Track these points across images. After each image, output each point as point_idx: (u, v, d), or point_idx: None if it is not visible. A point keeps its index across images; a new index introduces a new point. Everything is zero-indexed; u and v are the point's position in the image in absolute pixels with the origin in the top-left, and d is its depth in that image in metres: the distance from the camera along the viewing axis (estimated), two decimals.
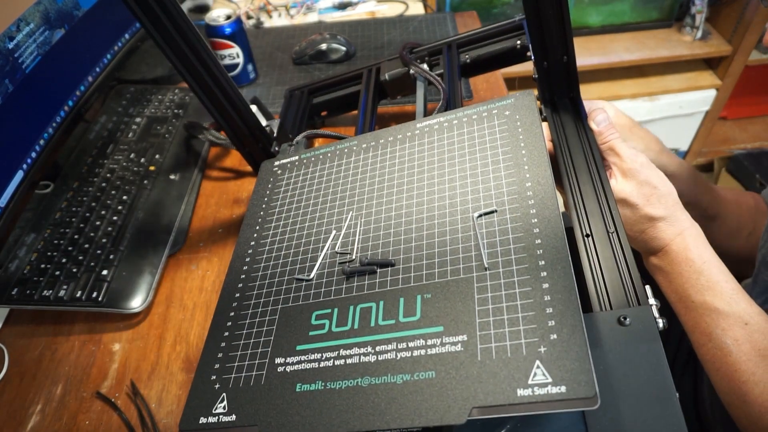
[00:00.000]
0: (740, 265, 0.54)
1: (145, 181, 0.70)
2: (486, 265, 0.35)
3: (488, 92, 0.82)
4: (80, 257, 0.60)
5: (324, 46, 0.92)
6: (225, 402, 0.35)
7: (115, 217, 0.65)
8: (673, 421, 0.29)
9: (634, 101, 1.56)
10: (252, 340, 0.38)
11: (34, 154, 0.62)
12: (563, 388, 0.27)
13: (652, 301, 0.33)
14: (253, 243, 0.46)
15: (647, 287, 0.34)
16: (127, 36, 0.84)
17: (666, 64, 1.54)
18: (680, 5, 1.53)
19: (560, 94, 0.49)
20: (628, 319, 0.32)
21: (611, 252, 0.37)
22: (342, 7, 1.12)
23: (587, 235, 0.39)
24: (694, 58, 1.51)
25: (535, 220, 0.36)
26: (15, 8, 0.61)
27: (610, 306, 0.35)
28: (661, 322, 0.32)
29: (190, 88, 0.53)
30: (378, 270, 0.38)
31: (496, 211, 0.38)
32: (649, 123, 1.62)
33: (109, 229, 0.64)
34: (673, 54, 1.49)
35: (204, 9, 1.14)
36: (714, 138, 1.73)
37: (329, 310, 0.37)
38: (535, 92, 0.50)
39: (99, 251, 0.61)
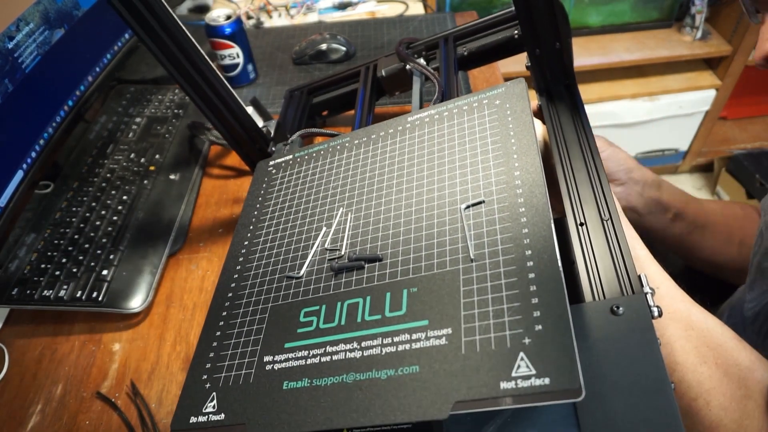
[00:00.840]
0: (736, 274, 0.54)
1: (145, 181, 0.70)
2: (472, 257, 0.34)
3: (481, 80, 0.81)
4: (80, 257, 0.60)
5: (324, 46, 0.92)
6: (215, 401, 0.35)
7: (115, 217, 0.65)
8: (668, 412, 0.28)
9: (634, 101, 1.56)
10: (242, 339, 0.38)
11: (34, 154, 0.62)
12: (547, 380, 0.27)
13: (647, 288, 0.32)
14: (246, 243, 0.46)
15: (642, 275, 0.33)
16: (127, 36, 0.84)
17: (666, 64, 1.54)
18: (680, 5, 1.53)
19: (555, 82, 0.48)
20: (620, 308, 0.31)
21: (605, 240, 0.36)
22: (342, 7, 1.12)
23: (581, 224, 0.38)
24: (694, 58, 1.51)
25: (523, 209, 0.35)
26: (15, 8, 0.61)
27: (603, 295, 0.34)
28: (656, 310, 0.31)
29: (184, 91, 0.53)
30: (366, 265, 0.38)
31: (483, 201, 0.37)
32: (649, 123, 1.62)
33: (109, 229, 0.64)
34: (673, 54, 1.50)
35: (204, 9, 1.14)
36: (714, 138, 1.73)
37: (317, 307, 0.37)
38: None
39: (99, 251, 0.61)
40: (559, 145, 0.44)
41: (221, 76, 0.55)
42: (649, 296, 0.32)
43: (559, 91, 0.48)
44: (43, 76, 0.64)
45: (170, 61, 0.51)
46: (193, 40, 0.51)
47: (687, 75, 1.58)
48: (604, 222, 0.37)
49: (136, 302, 0.57)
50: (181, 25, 0.50)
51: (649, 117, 1.60)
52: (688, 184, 1.82)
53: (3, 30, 0.58)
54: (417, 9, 1.11)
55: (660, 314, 0.31)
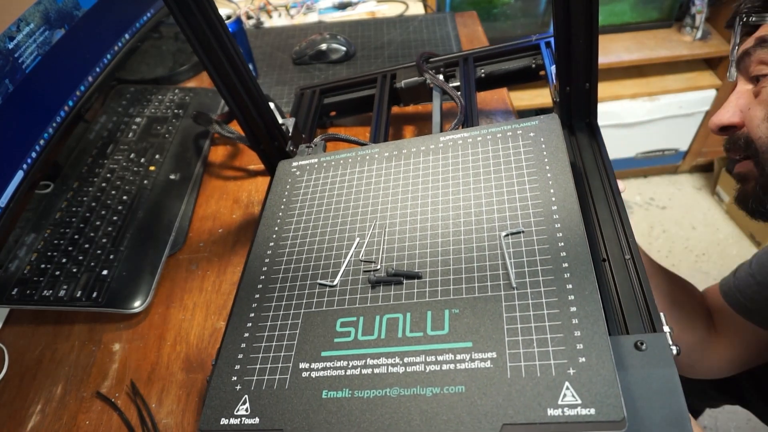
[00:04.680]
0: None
1: (145, 181, 0.70)
2: (514, 285, 0.35)
3: (490, 103, 0.82)
4: (80, 257, 0.60)
5: (324, 46, 0.92)
6: (247, 404, 0.35)
7: (115, 217, 0.65)
8: None
9: (634, 101, 1.57)
10: (274, 343, 0.38)
11: (34, 154, 0.62)
12: (592, 411, 0.28)
13: (666, 328, 0.34)
14: (272, 244, 0.46)
15: (662, 314, 0.35)
16: (127, 36, 0.84)
17: (666, 64, 1.54)
18: (680, 5, 1.53)
19: (578, 118, 0.50)
20: (644, 345, 0.33)
21: (627, 278, 0.38)
22: (342, 7, 1.12)
23: (603, 260, 0.39)
24: (694, 58, 1.51)
25: (562, 243, 0.36)
26: (15, 8, 0.61)
27: (626, 330, 0.35)
28: (675, 349, 0.33)
29: (209, 76, 0.52)
30: (404, 281, 0.38)
31: (523, 231, 0.38)
32: (649, 123, 1.62)
33: (110, 229, 0.64)
34: (673, 54, 1.50)
35: None
36: (714, 138, 1.73)
37: (354, 318, 0.37)
38: None
39: (99, 251, 0.61)
40: (581, 182, 0.45)
41: (249, 68, 0.53)
42: (668, 335, 0.33)
43: (580, 126, 0.50)
44: (43, 76, 0.64)
45: (200, 43, 0.49)
46: (225, 24, 0.49)
47: (687, 75, 1.58)
48: (626, 261, 0.39)
49: (136, 302, 0.57)
50: (216, 7, 0.48)
51: (649, 117, 1.60)
52: (688, 184, 1.82)
53: (3, 30, 0.58)
54: (417, 9, 1.11)
55: (678, 353, 0.33)
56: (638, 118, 1.60)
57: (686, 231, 1.67)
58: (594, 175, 0.45)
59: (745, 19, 0.51)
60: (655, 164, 1.80)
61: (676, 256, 1.59)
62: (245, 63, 0.52)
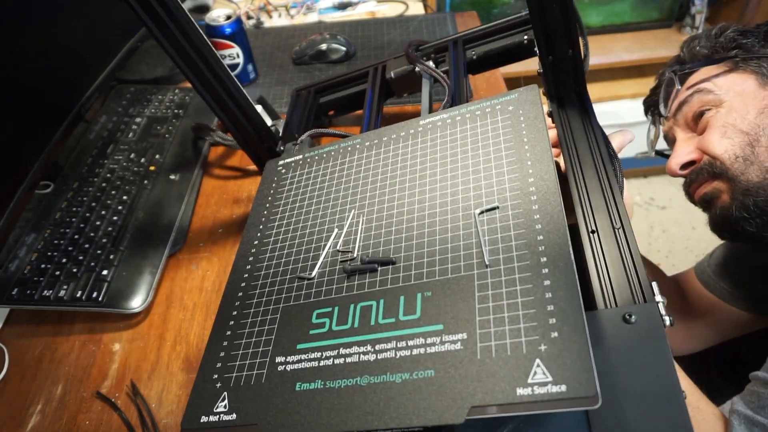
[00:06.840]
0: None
1: (145, 181, 0.70)
2: (487, 263, 0.34)
3: (488, 92, 0.82)
4: (80, 257, 0.60)
5: (324, 46, 0.92)
6: (226, 401, 0.36)
7: (115, 217, 0.65)
8: (680, 420, 0.28)
9: (634, 101, 1.57)
10: (253, 339, 0.38)
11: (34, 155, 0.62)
12: (563, 387, 0.27)
13: (658, 298, 0.32)
14: (256, 242, 0.46)
15: (654, 283, 0.33)
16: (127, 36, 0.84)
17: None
18: (680, 5, 1.53)
19: (566, 89, 0.48)
20: (633, 317, 0.32)
21: (617, 248, 0.36)
22: (342, 7, 1.12)
23: (593, 232, 0.38)
24: None
25: (538, 216, 0.35)
26: None
27: (615, 303, 0.34)
28: (668, 320, 0.31)
29: (193, 87, 0.53)
30: (379, 268, 0.38)
31: (498, 207, 0.37)
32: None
33: (109, 229, 0.64)
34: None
35: (204, 9, 1.14)
36: None
37: (330, 309, 0.37)
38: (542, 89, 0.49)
39: (99, 251, 0.61)
40: (570, 153, 0.44)
41: (231, 73, 0.54)
42: (660, 305, 0.32)
43: (570, 98, 0.48)
44: (43, 76, 0.64)
45: (181, 57, 0.50)
46: (203, 35, 0.50)
47: None
48: (616, 230, 0.37)
49: (136, 302, 0.57)
50: (193, 20, 0.49)
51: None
52: None
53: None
54: (417, 9, 1.11)
55: (672, 323, 0.31)
56: (638, 118, 1.59)
57: (686, 231, 1.67)
58: (583, 146, 0.44)
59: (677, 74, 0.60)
60: (655, 164, 1.80)
61: (676, 256, 1.59)
62: (228, 72, 0.53)
